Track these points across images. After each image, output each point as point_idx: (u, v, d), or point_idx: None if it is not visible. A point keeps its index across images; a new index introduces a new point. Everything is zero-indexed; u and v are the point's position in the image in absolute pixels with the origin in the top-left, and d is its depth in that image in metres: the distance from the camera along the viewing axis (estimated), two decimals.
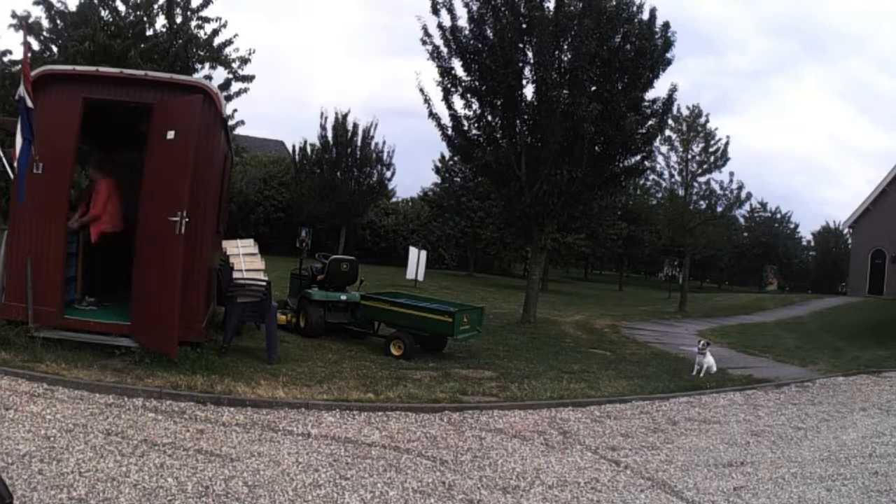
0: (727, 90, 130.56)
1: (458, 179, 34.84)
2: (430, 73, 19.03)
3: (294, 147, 28.82)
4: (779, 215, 53.43)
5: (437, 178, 37.22)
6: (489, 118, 13.85)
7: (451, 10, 13.26)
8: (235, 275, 9.28)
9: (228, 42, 16.25)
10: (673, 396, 8.18)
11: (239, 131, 19.51)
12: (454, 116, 13.90)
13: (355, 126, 27.00)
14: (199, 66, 16.11)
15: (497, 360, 9.61)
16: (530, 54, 13.11)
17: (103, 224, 7.78)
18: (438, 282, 25.69)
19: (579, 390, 7.97)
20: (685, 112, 22.17)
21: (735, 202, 22.92)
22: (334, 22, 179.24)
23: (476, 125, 13.93)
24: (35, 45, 14.40)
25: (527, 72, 13.29)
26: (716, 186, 22.71)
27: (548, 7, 12.91)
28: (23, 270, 6.82)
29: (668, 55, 13.43)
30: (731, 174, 22.39)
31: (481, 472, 4.93)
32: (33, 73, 6.79)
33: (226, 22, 16.06)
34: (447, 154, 31.62)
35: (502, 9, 12.91)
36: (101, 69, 7.56)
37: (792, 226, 54.62)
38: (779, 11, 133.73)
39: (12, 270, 6.88)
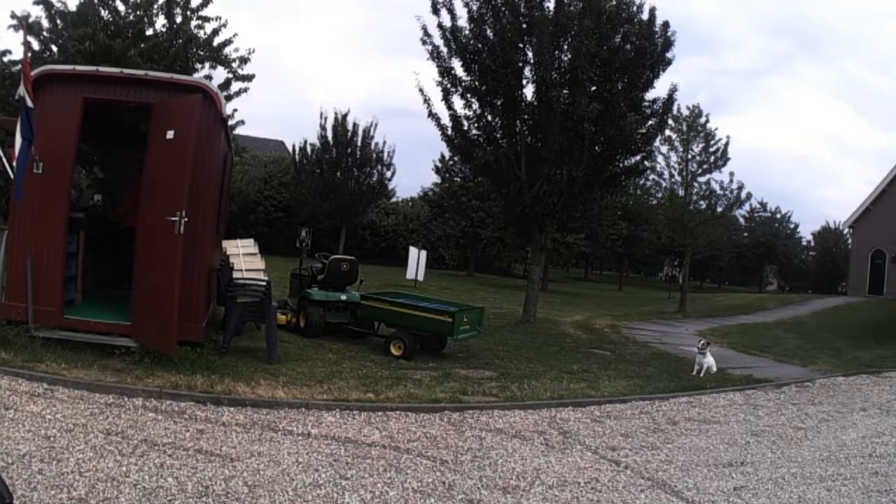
0: (723, 90, 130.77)
1: (458, 179, 34.80)
2: (430, 73, 19.06)
3: (294, 147, 28.83)
4: (779, 215, 53.32)
5: (437, 178, 37.32)
6: (489, 118, 13.84)
7: (451, 10, 13.26)
8: (235, 275, 9.27)
9: (228, 42, 16.30)
10: (673, 396, 8.18)
11: (239, 131, 19.53)
12: (454, 116, 13.89)
13: (355, 126, 27.00)
14: (199, 65, 16.15)
15: (497, 360, 9.61)
16: (530, 54, 13.10)
17: None
18: (438, 282, 25.68)
19: (579, 390, 7.97)
20: (685, 112, 22.17)
21: (735, 202, 22.90)
22: (334, 22, 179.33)
23: (476, 125, 13.93)
24: (35, 45, 14.41)
25: (527, 72, 13.29)
26: (716, 186, 22.70)
27: (548, 7, 12.90)
28: (23, 270, 6.82)
29: (668, 55, 13.47)
30: (731, 174, 22.37)
31: (481, 472, 4.92)
32: (33, 73, 6.79)
33: (226, 22, 16.15)
34: (447, 154, 31.68)
35: (502, 9, 12.91)
36: (102, 69, 7.56)
37: (792, 226, 54.53)
38: (774, 11, 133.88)
39: (12, 270, 6.88)
